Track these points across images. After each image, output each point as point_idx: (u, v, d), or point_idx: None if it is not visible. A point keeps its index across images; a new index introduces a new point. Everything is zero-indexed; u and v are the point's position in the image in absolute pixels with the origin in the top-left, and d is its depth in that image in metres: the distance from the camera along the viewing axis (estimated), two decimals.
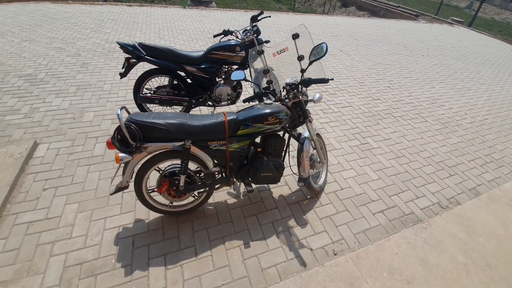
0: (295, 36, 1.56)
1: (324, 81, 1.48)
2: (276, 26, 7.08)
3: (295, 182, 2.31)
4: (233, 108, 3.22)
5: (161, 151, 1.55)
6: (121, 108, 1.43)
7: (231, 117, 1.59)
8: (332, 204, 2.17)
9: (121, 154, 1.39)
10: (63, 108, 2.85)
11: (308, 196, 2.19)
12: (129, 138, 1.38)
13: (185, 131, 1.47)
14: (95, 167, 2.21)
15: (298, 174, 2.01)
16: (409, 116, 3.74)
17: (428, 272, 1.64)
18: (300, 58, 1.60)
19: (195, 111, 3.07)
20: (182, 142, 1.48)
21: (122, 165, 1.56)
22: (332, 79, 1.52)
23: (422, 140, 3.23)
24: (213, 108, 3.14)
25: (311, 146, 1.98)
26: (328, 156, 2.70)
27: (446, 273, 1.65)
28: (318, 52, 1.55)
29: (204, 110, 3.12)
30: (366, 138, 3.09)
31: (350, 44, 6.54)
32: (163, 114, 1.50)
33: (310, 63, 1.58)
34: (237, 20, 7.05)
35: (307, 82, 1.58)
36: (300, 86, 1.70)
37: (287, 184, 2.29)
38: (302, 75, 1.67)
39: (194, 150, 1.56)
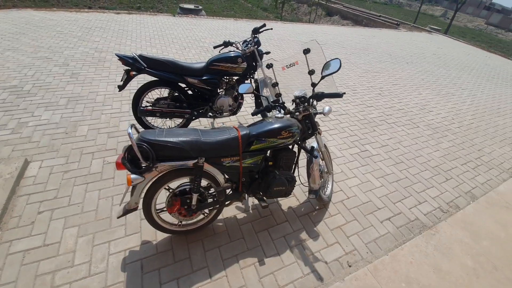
0: (306, 51, 1.57)
1: (338, 95, 1.49)
2: (266, 34, 7.16)
3: (302, 193, 2.30)
4: (233, 119, 3.19)
5: (171, 169, 1.48)
6: (131, 126, 1.36)
7: (244, 132, 1.55)
8: (341, 214, 2.17)
9: (132, 176, 1.31)
10: (54, 122, 2.69)
11: (317, 207, 2.18)
12: (141, 158, 1.31)
13: (199, 148, 1.42)
14: (94, 185, 2.09)
15: (307, 186, 2.00)
16: (402, 122, 3.86)
17: (442, 279, 1.67)
18: (311, 72, 1.60)
19: (195, 121, 3.01)
20: (196, 160, 1.43)
21: (131, 186, 1.48)
22: (345, 93, 1.54)
23: (417, 146, 3.34)
24: (213, 119, 3.10)
25: (319, 158, 1.98)
26: (332, 165, 2.71)
27: (458, 279, 1.68)
28: (331, 67, 1.56)
29: (204, 121, 3.06)
30: (365, 145, 3.16)
31: (339, 53, 6.73)
32: (175, 131, 1.45)
33: (322, 77, 1.59)
34: (228, 29, 7.07)
35: (320, 96, 1.59)
36: (311, 99, 1.70)
37: (294, 195, 2.27)
38: (313, 89, 1.67)
39: (207, 167, 1.51)
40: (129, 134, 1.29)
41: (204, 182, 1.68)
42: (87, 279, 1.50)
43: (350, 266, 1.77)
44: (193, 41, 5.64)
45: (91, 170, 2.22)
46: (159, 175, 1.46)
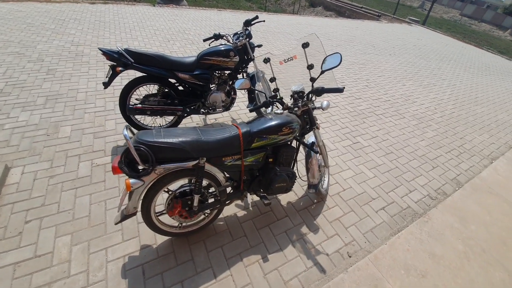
0: (305, 45, 1.54)
1: (338, 90, 1.49)
2: (252, 27, 7.02)
3: (300, 188, 2.31)
4: (225, 114, 3.12)
5: (171, 171, 1.42)
6: (126, 128, 1.28)
7: (245, 130, 1.52)
8: (338, 206, 2.21)
9: (131, 180, 1.25)
10: (33, 123, 2.50)
11: (315, 201, 2.21)
12: (139, 161, 1.25)
13: (200, 148, 1.37)
14: (83, 190, 1.97)
15: (306, 180, 2.01)
16: (389, 114, 3.98)
17: (437, 264, 1.76)
18: (310, 67, 1.58)
19: (186, 119, 2.91)
20: (197, 161, 1.38)
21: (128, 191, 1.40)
22: (344, 87, 1.53)
23: (404, 136, 3.46)
24: (204, 116, 3.01)
25: (318, 152, 1.99)
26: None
27: (452, 263, 1.79)
28: (331, 62, 1.55)
29: (195, 118, 2.97)
30: (356, 137, 3.22)
31: (325, 45, 6.76)
32: (173, 131, 1.38)
33: (322, 72, 1.57)
34: (212, 20, 6.85)
35: (320, 91, 1.57)
36: (310, 94, 1.69)
37: (293, 190, 2.28)
38: (312, 84, 1.66)
39: (207, 167, 1.46)
40: (125, 136, 1.21)
41: (204, 182, 1.64)
42: None
43: (350, 257, 1.82)
44: (176, 32, 5.41)
45: (79, 173, 2.09)
46: (158, 177, 1.40)
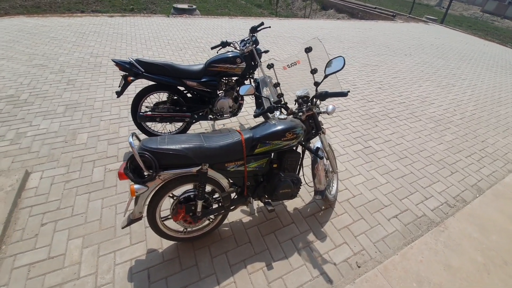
0: (308, 50, 1.53)
1: (343, 94, 1.46)
2: (262, 32, 7.09)
3: (307, 194, 2.27)
4: (234, 120, 3.15)
5: (175, 177, 1.45)
6: (132, 135, 1.33)
7: (248, 135, 1.52)
8: (347, 213, 2.14)
9: (136, 186, 1.28)
10: (53, 131, 2.66)
11: (323, 207, 2.16)
12: (144, 167, 1.28)
13: (203, 154, 1.39)
14: (96, 194, 2.06)
15: (313, 186, 1.97)
16: (404, 116, 3.83)
17: (453, 276, 1.65)
18: (314, 71, 1.56)
19: (195, 125, 2.97)
20: (200, 167, 1.40)
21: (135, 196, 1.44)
22: (349, 91, 1.50)
23: (420, 140, 3.31)
24: (213, 121, 3.06)
25: (324, 157, 1.95)
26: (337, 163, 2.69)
27: (469, 276, 1.67)
28: (335, 66, 1.52)
29: (204, 124, 3.02)
30: (368, 141, 3.12)
31: (337, 47, 6.67)
32: (177, 138, 1.41)
33: (326, 76, 1.55)
34: (224, 28, 7.00)
35: (324, 96, 1.55)
36: (314, 99, 1.67)
37: (300, 196, 2.24)
38: (316, 88, 1.64)
39: (211, 172, 1.48)
40: (130, 143, 1.25)
41: (208, 188, 1.66)
42: None
43: (359, 267, 1.75)
44: (189, 41, 5.57)
45: (93, 178, 2.19)
46: (163, 183, 1.43)
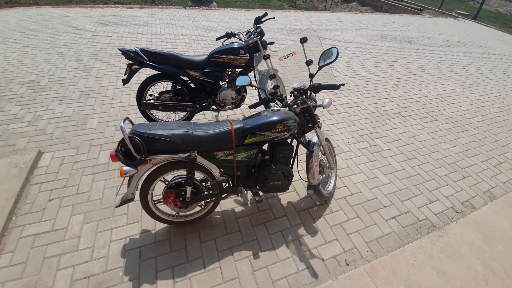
0: (303, 40, 1.49)
1: (335, 87, 1.42)
2: (277, 25, 6.98)
3: (303, 188, 2.25)
4: (237, 111, 3.16)
5: (166, 162, 1.50)
6: (125, 120, 1.39)
7: (238, 126, 1.53)
8: (343, 211, 2.10)
9: (125, 168, 1.34)
10: (67, 115, 2.83)
11: (318, 203, 2.13)
12: (133, 151, 1.34)
13: (191, 142, 1.42)
14: (100, 176, 2.18)
15: (307, 181, 1.95)
16: (419, 115, 3.64)
17: (446, 283, 1.58)
18: (309, 62, 1.53)
19: (199, 115, 3.02)
20: (188, 154, 1.43)
21: (127, 177, 1.52)
22: (343, 84, 1.45)
23: (433, 141, 3.14)
24: (217, 112, 3.09)
25: (320, 152, 1.91)
26: (337, 160, 2.63)
27: (465, 284, 1.58)
28: (328, 57, 1.48)
29: (208, 114, 3.07)
30: (375, 139, 3.02)
31: (354, 42, 6.42)
32: (168, 124, 1.45)
33: (320, 68, 1.51)
34: (239, 20, 6.97)
35: (317, 88, 1.52)
36: (309, 91, 1.63)
37: (295, 190, 2.23)
38: (311, 80, 1.60)
39: (200, 160, 1.51)
40: (121, 127, 1.31)
41: (200, 175, 1.69)
42: (89, 263, 1.58)
43: (348, 265, 1.72)
44: (202, 33, 5.62)
45: (99, 161, 2.31)
46: (154, 167, 1.49)
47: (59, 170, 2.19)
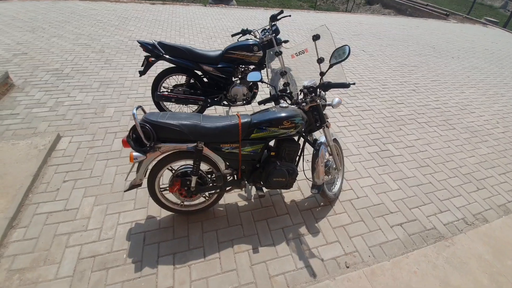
0: (316, 37, 1.49)
1: (345, 85, 1.40)
2: (295, 24, 6.94)
3: (308, 188, 2.24)
4: (248, 108, 3.19)
5: (174, 151, 1.55)
6: (137, 108, 1.44)
7: (245, 120, 1.55)
8: (347, 213, 2.08)
9: (135, 153, 1.40)
10: (86, 103, 2.97)
11: (322, 204, 2.12)
12: (144, 137, 1.39)
13: (198, 132, 1.46)
14: (113, 162, 2.27)
15: (312, 180, 1.94)
16: (436, 123, 3.51)
17: None
18: (320, 60, 1.52)
19: (211, 109, 3.08)
20: (195, 144, 1.47)
21: (136, 163, 1.58)
22: (354, 84, 1.44)
23: (449, 149, 3.02)
24: (228, 108, 3.13)
25: (327, 152, 1.90)
26: (345, 162, 2.59)
27: None
28: (339, 55, 1.47)
29: (219, 109, 3.11)
30: (386, 144, 2.94)
31: (373, 44, 6.27)
32: (178, 114, 1.50)
33: (331, 66, 1.50)
34: (257, 19, 6.99)
35: (326, 86, 1.51)
36: (318, 89, 1.63)
37: (299, 189, 2.23)
38: (321, 78, 1.60)
39: (207, 151, 1.54)
40: (133, 114, 1.37)
41: (206, 167, 1.73)
42: (96, 243, 1.66)
43: (347, 267, 1.70)
44: (220, 30, 5.69)
45: (112, 148, 2.41)
46: (163, 155, 1.54)
47: (75, 154, 2.30)
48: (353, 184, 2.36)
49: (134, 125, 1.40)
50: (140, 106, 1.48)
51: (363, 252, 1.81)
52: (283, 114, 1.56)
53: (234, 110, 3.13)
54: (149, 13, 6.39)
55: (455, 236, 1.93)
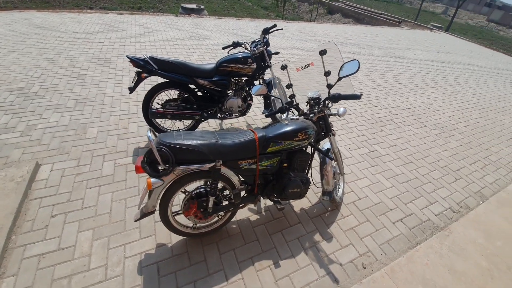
0: (323, 52, 1.56)
1: (356, 97, 1.49)
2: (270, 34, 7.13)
3: (313, 194, 2.29)
4: (241, 119, 3.18)
5: (189, 172, 1.47)
6: (150, 131, 1.36)
7: (261, 134, 1.55)
8: (353, 215, 2.16)
9: (153, 180, 1.31)
10: (63, 124, 2.69)
11: (329, 209, 2.18)
12: (161, 161, 1.31)
13: (217, 151, 1.41)
14: (106, 188, 2.08)
15: (321, 187, 1.99)
16: (409, 122, 3.85)
17: (458, 280, 1.67)
18: (327, 73, 1.59)
19: (204, 123, 3.00)
20: (213, 163, 1.42)
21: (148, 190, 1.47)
22: (362, 95, 1.53)
23: (425, 146, 3.34)
24: (220, 120, 3.08)
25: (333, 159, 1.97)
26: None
27: (474, 280, 1.68)
28: (349, 69, 1.55)
29: (211, 122, 3.05)
30: (373, 145, 3.15)
31: (343, 51, 6.71)
32: (193, 134, 1.44)
33: (339, 79, 1.58)
34: (231, 29, 7.05)
35: (337, 98, 1.58)
36: (326, 101, 1.69)
37: (306, 196, 2.26)
38: (329, 90, 1.67)
39: (223, 169, 1.50)
40: (149, 137, 1.28)
41: (219, 185, 1.68)
42: (103, 283, 1.50)
43: (364, 268, 1.77)
44: (196, 41, 5.62)
45: (103, 172, 2.21)
46: (176, 178, 1.46)
47: (60, 183, 2.06)
48: (353, 186, 2.48)
49: (149, 149, 1.31)
50: (151, 128, 1.39)
51: (375, 251, 1.90)
52: (297, 127, 1.59)
53: (227, 122, 3.09)
54: (118, 23, 6.07)
55: (450, 225, 2.12)
